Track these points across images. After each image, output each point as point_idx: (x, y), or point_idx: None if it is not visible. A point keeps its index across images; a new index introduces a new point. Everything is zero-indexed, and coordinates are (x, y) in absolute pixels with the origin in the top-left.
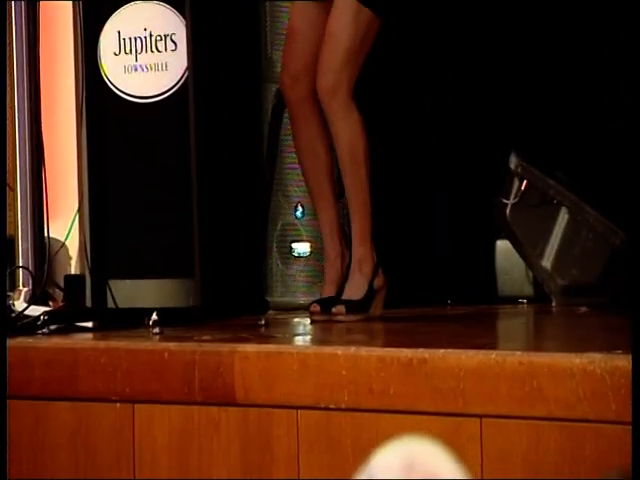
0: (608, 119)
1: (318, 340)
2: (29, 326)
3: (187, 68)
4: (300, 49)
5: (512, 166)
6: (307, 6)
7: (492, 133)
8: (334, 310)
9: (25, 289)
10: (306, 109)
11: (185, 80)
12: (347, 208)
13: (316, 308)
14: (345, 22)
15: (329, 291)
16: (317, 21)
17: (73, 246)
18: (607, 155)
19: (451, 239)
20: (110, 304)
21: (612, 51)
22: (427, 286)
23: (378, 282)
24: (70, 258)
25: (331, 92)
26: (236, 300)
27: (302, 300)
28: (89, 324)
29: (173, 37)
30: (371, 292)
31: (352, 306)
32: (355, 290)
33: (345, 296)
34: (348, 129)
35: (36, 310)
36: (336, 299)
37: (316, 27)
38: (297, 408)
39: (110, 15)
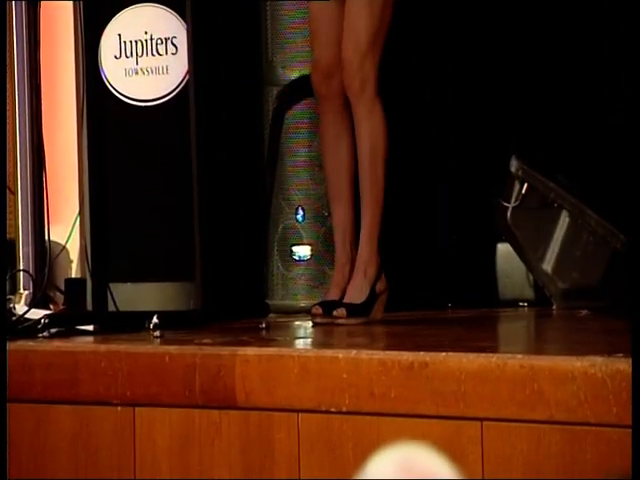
0: (608, 112)
1: (319, 343)
2: (30, 329)
3: (188, 71)
4: (327, 48)
5: (513, 169)
6: (324, 6)
7: (493, 135)
8: (335, 313)
9: (26, 292)
10: (336, 105)
11: (186, 83)
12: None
13: (318, 310)
14: (360, 6)
15: (333, 294)
16: (337, 19)
17: (74, 249)
18: (608, 158)
19: (451, 242)
20: (111, 307)
21: (612, 44)
22: (428, 289)
23: (380, 286)
24: (71, 261)
25: (359, 89)
26: (237, 303)
27: (303, 303)
28: (90, 327)
29: (174, 40)
30: (373, 295)
31: (353, 309)
32: (357, 293)
33: (347, 299)
34: (370, 128)
35: (37, 313)
36: (338, 302)
37: (336, 26)
38: (298, 411)
39: (111, 18)
